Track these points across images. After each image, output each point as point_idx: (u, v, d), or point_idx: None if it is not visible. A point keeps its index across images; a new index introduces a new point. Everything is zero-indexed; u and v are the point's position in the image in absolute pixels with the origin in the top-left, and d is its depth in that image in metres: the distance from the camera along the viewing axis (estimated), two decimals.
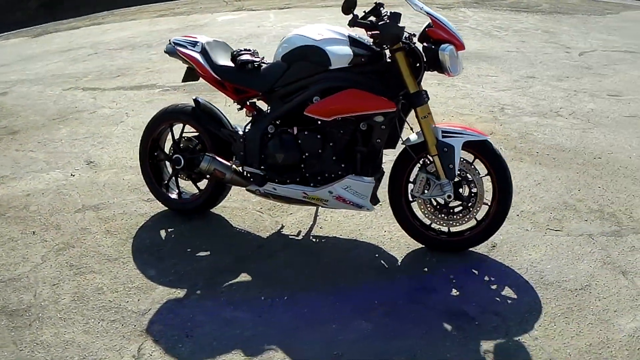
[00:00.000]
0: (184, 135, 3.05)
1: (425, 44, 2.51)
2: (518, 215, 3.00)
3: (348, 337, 2.24)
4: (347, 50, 2.54)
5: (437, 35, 2.47)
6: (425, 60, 2.51)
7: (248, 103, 2.85)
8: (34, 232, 3.06)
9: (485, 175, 2.63)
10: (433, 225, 2.74)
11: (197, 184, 3.08)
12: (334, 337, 2.24)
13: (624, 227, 2.88)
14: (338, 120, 2.58)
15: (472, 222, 2.68)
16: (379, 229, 2.93)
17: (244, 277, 2.65)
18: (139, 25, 7.90)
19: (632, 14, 7.82)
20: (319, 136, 2.63)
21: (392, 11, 2.50)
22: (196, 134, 3.02)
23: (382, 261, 2.72)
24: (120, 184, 3.50)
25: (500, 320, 2.31)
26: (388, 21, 2.44)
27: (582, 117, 4.25)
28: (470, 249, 2.73)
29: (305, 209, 3.10)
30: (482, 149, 2.58)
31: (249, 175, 2.85)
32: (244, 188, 2.91)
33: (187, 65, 2.97)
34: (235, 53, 2.84)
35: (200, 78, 2.96)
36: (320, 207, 2.95)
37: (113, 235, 2.99)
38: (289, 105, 2.68)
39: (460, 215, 2.64)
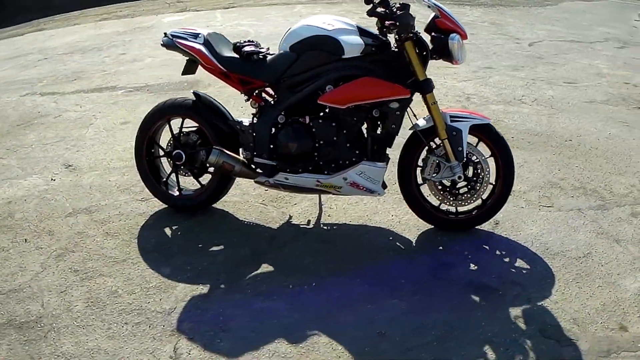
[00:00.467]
0: (182, 129, 2.99)
1: (433, 34, 2.61)
2: (511, 194, 3.18)
3: (385, 316, 2.30)
4: (358, 39, 2.61)
5: (444, 26, 2.59)
6: (432, 49, 2.62)
7: (255, 94, 2.83)
8: (25, 240, 2.89)
9: (489, 156, 2.77)
10: (442, 207, 2.85)
11: (199, 179, 3.03)
12: (371, 317, 2.30)
13: (607, 201, 3.13)
14: (351, 107, 2.63)
15: (478, 202, 2.82)
16: (386, 213, 3.01)
17: (265, 268, 2.64)
18: (84, 30, 7.60)
19: (570, 4, 8.43)
20: (333, 124, 2.68)
21: (402, 2, 2.60)
22: (194, 128, 2.97)
23: (397, 243, 2.80)
24: (108, 186, 3.38)
25: (521, 288, 2.45)
26: (402, 11, 2.53)
27: (545, 103, 4.55)
28: (476, 227, 2.86)
29: (308, 199, 3.13)
30: (485, 131, 2.73)
31: (256, 166, 2.84)
32: (252, 180, 2.89)
33: (187, 58, 2.91)
34: (238, 44, 2.82)
35: (202, 70, 2.91)
36: (324, 196, 2.99)
37: (114, 237, 2.89)
38: (300, 95, 2.70)
39: (468, 195, 2.77)
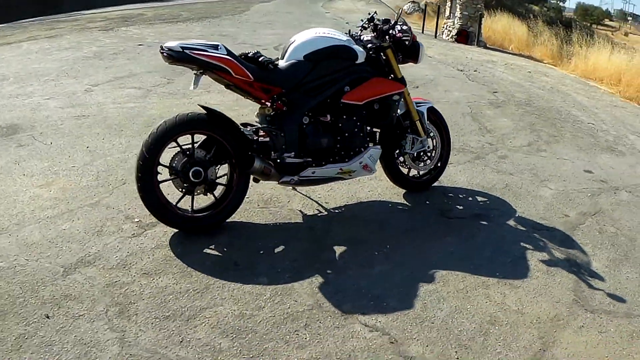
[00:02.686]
0: (183, 146, 2.86)
1: (402, 41, 3.35)
2: None
3: (456, 256, 3.00)
4: (360, 47, 3.16)
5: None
6: (403, 53, 3.38)
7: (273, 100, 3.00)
8: (47, 316, 2.28)
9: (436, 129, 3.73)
10: (411, 173, 3.66)
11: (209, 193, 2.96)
12: (424, 247, 2.97)
13: (484, 153, 4.52)
14: (365, 103, 3.17)
15: (434, 164, 3.73)
16: (372, 190, 3.61)
17: (337, 250, 2.87)
18: None
19: (260, 6, 10.17)
20: (354, 118, 3.14)
21: (383, 18, 3.29)
22: (195, 143, 2.88)
23: (397, 207, 3.46)
24: (74, 234, 2.84)
25: (487, 210, 3.52)
26: (383, 26, 3.22)
27: None
28: (433, 185, 3.78)
29: (299, 196, 3.43)
30: (433, 111, 3.67)
31: (284, 167, 3.02)
32: (277, 182, 3.05)
33: (197, 71, 2.81)
34: (250, 55, 2.92)
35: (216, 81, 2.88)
36: (301, 188, 3.35)
37: (161, 274, 2.60)
38: (321, 97, 3.03)
39: (429, 161, 3.67)
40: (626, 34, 31.59)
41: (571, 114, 6.26)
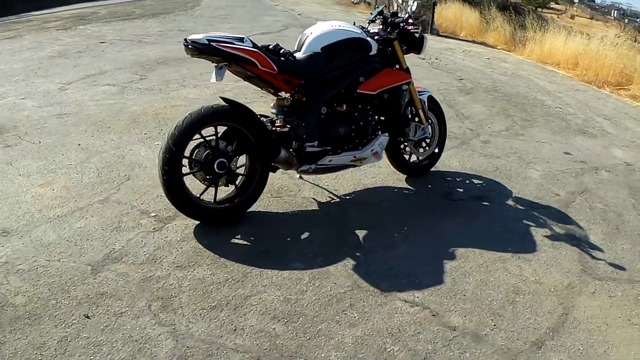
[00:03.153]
0: (206, 137, 2.89)
1: (411, 34, 3.50)
2: None
3: (468, 235, 3.19)
4: (373, 40, 3.30)
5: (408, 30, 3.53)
6: (407, 45, 3.53)
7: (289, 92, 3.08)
8: (87, 316, 2.25)
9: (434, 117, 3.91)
10: (411, 160, 3.83)
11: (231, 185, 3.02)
12: (434, 224, 3.16)
13: (469, 138, 4.74)
14: (377, 93, 3.30)
15: (432, 150, 3.92)
16: (375, 177, 3.75)
17: (359, 234, 2.99)
18: None
19: (209, 1, 10.19)
20: (367, 107, 3.27)
21: (392, 12, 3.42)
22: (212, 134, 2.92)
23: (403, 192, 3.61)
24: (92, 232, 2.83)
25: (486, 192, 3.74)
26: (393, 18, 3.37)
27: None
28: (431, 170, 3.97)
29: (304, 186, 3.52)
30: (430, 99, 3.85)
31: (303, 156, 3.12)
32: (296, 170, 3.15)
33: (220, 64, 2.83)
34: (271, 47, 2.99)
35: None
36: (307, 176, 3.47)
37: (196, 266, 2.64)
38: (338, 87, 3.14)
39: (428, 147, 3.85)
40: (572, 17, 32.70)
41: (538, 99, 6.63)
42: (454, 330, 2.33)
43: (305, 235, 2.95)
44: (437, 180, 3.83)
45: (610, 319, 2.54)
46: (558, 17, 25.93)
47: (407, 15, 3.44)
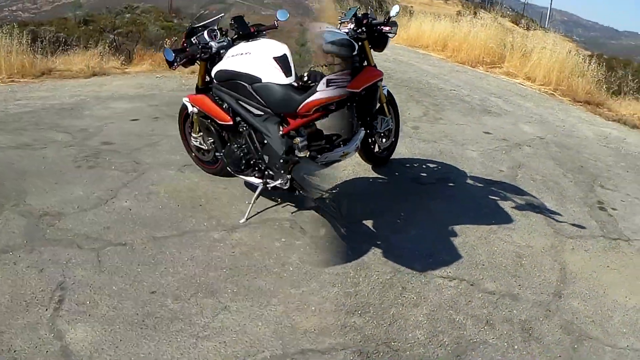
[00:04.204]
0: None
1: (390, 35, 3.76)
2: None
3: (454, 213, 3.59)
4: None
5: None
6: (373, 43, 3.80)
7: None
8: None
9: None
10: (375, 150, 4.14)
11: None
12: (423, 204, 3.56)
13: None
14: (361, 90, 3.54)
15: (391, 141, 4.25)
16: (344, 169, 3.98)
17: (367, 224, 3.23)
18: None
19: None
20: (354, 104, 3.48)
21: (362, 12, 3.66)
22: None
23: (378, 181, 3.91)
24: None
25: (445, 173, 4.20)
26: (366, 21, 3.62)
27: None
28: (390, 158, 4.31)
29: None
30: (388, 93, 4.18)
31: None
32: None
33: None
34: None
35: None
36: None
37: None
38: None
39: (389, 136, 4.19)
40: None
41: (431, 83, 7.29)
42: (494, 294, 2.70)
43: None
44: (399, 167, 4.19)
45: (595, 268, 3.11)
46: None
47: (386, 18, 3.72)
